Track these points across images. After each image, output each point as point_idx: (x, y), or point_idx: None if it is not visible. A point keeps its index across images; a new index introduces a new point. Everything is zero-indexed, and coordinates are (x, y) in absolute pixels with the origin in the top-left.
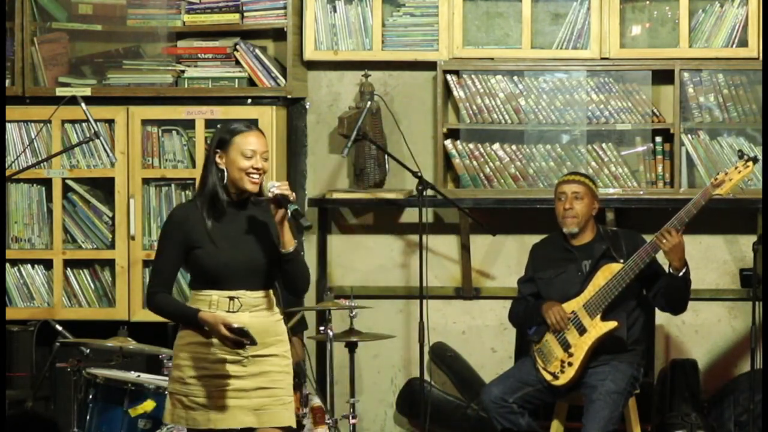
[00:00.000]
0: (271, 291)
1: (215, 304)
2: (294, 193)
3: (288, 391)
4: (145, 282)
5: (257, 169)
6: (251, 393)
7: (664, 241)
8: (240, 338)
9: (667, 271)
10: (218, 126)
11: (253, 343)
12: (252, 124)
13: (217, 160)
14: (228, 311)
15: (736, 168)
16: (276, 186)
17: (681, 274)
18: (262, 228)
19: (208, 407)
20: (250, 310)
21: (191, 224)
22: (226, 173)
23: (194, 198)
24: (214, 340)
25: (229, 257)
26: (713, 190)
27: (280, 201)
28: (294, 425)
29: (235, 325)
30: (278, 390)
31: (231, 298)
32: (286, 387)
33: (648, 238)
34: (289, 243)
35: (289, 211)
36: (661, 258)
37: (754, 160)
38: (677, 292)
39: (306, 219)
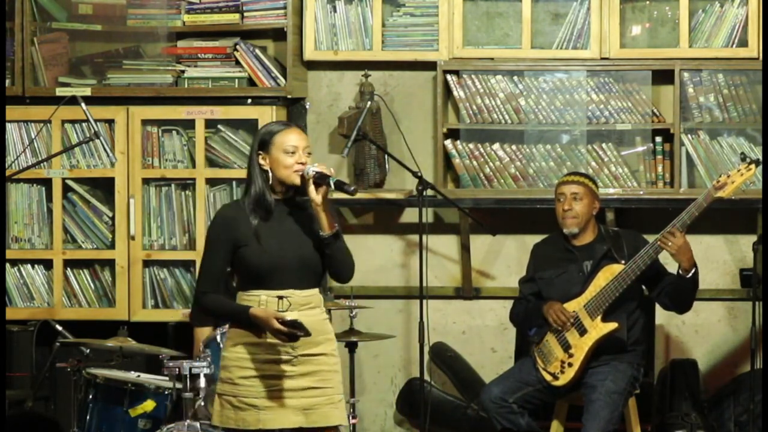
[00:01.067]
0: (318, 290)
1: (264, 305)
2: (332, 169)
3: (337, 390)
4: (146, 282)
5: (302, 164)
6: (301, 393)
7: (669, 243)
8: (294, 331)
9: (670, 270)
10: (258, 129)
11: (308, 334)
12: (251, 124)
13: (261, 161)
14: (277, 311)
15: (738, 171)
16: (314, 167)
17: (690, 275)
18: (308, 226)
19: (258, 407)
20: (299, 309)
21: (237, 223)
22: (270, 173)
23: (241, 198)
24: (267, 339)
25: (276, 256)
26: (715, 193)
27: (321, 179)
28: (345, 423)
29: (288, 318)
30: (328, 389)
31: (280, 298)
32: (336, 386)
33: (648, 238)
34: (328, 226)
35: (332, 182)
36: (662, 257)
37: (757, 162)
38: (684, 293)
39: (350, 185)
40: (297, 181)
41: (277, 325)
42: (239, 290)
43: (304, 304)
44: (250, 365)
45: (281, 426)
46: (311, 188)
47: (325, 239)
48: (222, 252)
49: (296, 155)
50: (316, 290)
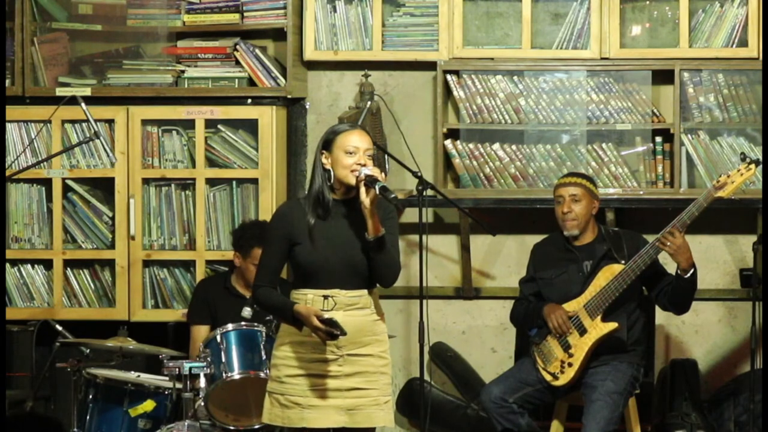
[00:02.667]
0: (368, 291)
1: (310, 303)
2: (384, 174)
3: (384, 392)
4: (145, 282)
5: (361, 165)
6: (346, 393)
7: (668, 243)
8: (330, 329)
9: (669, 270)
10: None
11: (343, 333)
12: (251, 124)
13: (323, 160)
14: (323, 310)
15: (738, 171)
16: (368, 169)
17: (688, 275)
18: (361, 228)
19: (302, 406)
20: (345, 309)
21: (295, 220)
22: (332, 173)
23: (304, 196)
24: (311, 338)
25: (325, 255)
26: (715, 193)
27: (370, 182)
28: (390, 425)
29: (326, 316)
30: (373, 390)
31: (325, 297)
32: (382, 387)
33: (648, 238)
34: (373, 230)
35: (377, 187)
36: (662, 257)
37: (757, 162)
38: (683, 293)
39: (392, 193)
40: (352, 181)
41: (316, 322)
42: (293, 288)
43: (350, 305)
44: (296, 364)
45: (325, 425)
46: (362, 190)
47: (369, 243)
48: (277, 247)
49: (356, 156)
50: (364, 291)
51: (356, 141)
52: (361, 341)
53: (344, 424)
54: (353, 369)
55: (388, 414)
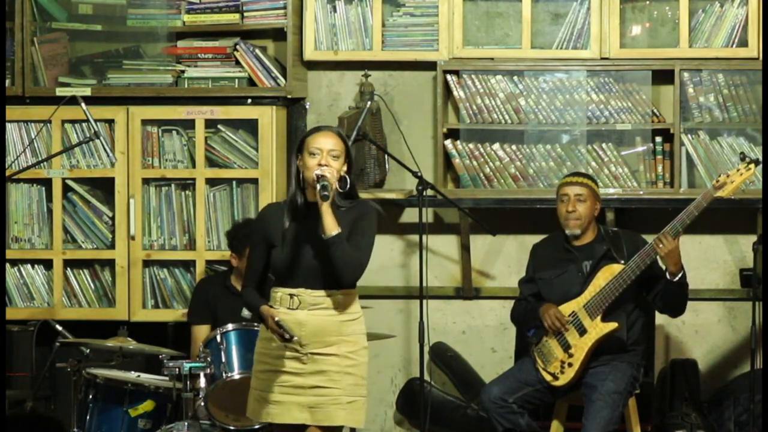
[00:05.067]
0: (339, 291)
1: (279, 301)
2: (329, 173)
3: (347, 392)
4: (145, 282)
5: (322, 165)
6: (308, 390)
7: (661, 246)
8: (280, 331)
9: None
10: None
11: (291, 337)
12: (251, 124)
13: (298, 163)
14: (288, 308)
15: (738, 170)
16: (320, 170)
17: (677, 279)
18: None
19: (268, 401)
20: (309, 308)
21: (273, 223)
22: (302, 175)
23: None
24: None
25: (292, 256)
26: (715, 192)
27: (316, 180)
28: (353, 425)
29: (277, 318)
30: (335, 390)
31: (291, 296)
32: (346, 387)
33: (648, 238)
34: (329, 228)
35: (318, 186)
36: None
37: (756, 162)
38: (674, 297)
39: (327, 194)
40: None
41: (271, 323)
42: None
43: (314, 304)
44: (266, 360)
45: (285, 421)
46: (317, 189)
47: (325, 241)
48: (258, 249)
49: (318, 157)
50: (332, 291)
51: (320, 142)
52: (325, 341)
53: (305, 421)
54: (316, 367)
55: (353, 414)
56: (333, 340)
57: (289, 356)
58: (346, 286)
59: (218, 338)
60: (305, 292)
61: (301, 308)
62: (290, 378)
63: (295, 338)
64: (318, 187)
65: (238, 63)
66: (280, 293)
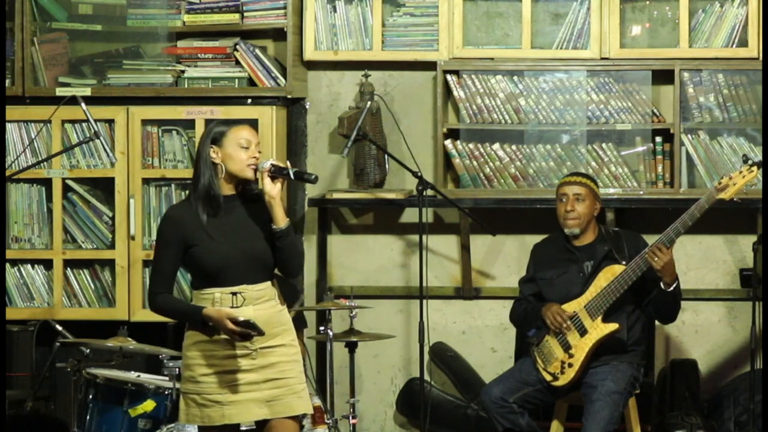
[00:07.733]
0: (271, 282)
1: (218, 302)
2: (289, 162)
3: (299, 379)
4: (145, 282)
5: (255, 158)
6: (262, 385)
7: (656, 258)
8: (247, 330)
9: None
10: (208, 126)
11: (261, 333)
12: (251, 124)
13: (212, 155)
14: (232, 307)
15: (740, 172)
16: (270, 161)
17: (671, 289)
18: (258, 220)
19: (221, 403)
20: (254, 303)
21: (187, 223)
22: (222, 168)
23: (188, 197)
24: (222, 336)
25: (227, 252)
26: (717, 194)
27: (278, 172)
28: (310, 411)
29: (241, 318)
30: (289, 380)
31: (234, 294)
32: (297, 375)
33: (648, 238)
34: (281, 220)
35: (291, 174)
36: None
37: (759, 164)
38: (666, 306)
39: (311, 174)
40: (250, 175)
41: (230, 326)
42: (194, 289)
43: (258, 299)
44: (210, 362)
45: (245, 419)
46: (266, 181)
47: (278, 233)
48: (172, 252)
49: (250, 150)
50: (268, 283)
51: (249, 135)
52: (272, 333)
53: (265, 416)
54: (267, 361)
55: (306, 401)
56: (277, 331)
57: (239, 354)
58: (295, 275)
59: None
60: (248, 288)
61: (246, 304)
62: (243, 375)
63: (264, 334)
64: (291, 173)
65: (238, 63)
66: (218, 293)
